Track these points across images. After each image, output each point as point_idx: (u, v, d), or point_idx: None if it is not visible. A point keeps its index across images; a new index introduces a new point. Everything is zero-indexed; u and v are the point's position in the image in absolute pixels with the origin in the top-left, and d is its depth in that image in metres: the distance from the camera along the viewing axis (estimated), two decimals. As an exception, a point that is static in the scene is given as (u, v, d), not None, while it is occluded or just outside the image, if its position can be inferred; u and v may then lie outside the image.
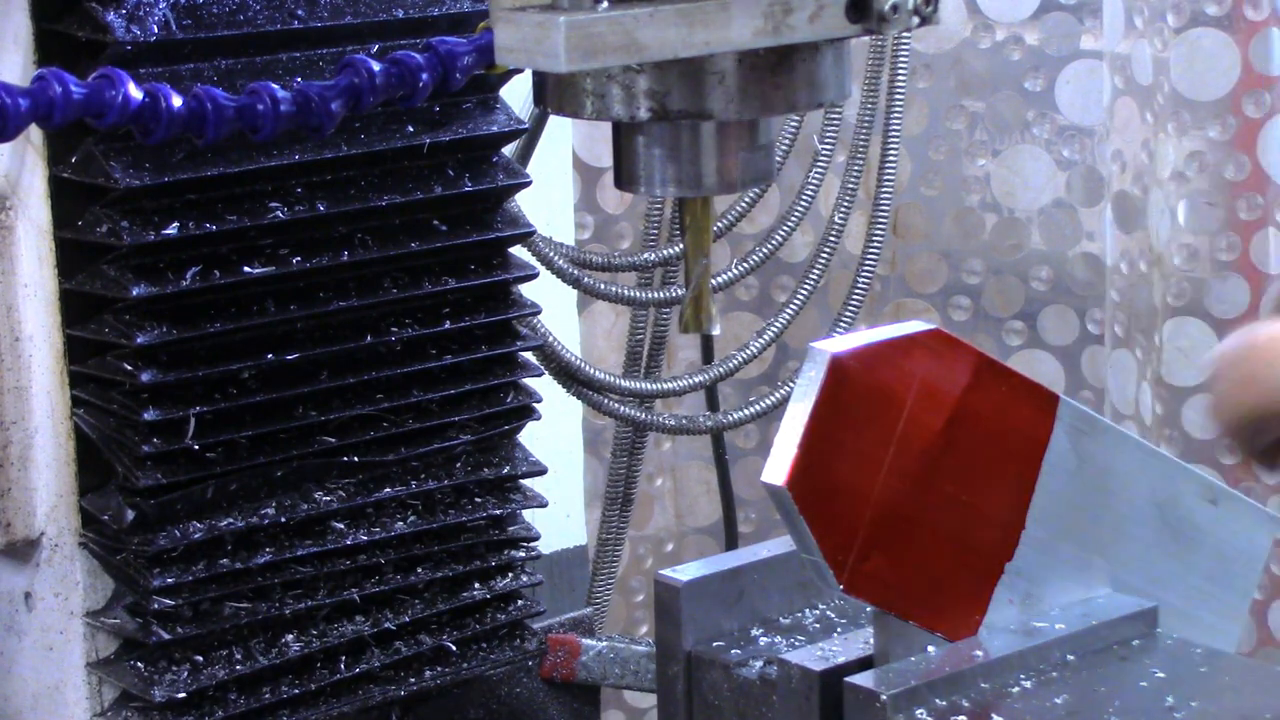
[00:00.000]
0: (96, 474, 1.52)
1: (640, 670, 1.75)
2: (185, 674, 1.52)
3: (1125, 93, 2.45)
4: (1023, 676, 1.40)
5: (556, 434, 1.92)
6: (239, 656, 1.55)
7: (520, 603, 1.71)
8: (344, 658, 1.60)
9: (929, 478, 1.39)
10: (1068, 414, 1.44)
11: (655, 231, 2.24)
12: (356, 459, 1.59)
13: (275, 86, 1.37)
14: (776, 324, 2.18)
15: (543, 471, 1.71)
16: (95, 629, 1.54)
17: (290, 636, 1.58)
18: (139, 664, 1.53)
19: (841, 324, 2.22)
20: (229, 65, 1.49)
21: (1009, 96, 2.70)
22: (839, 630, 1.55)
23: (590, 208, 2.67)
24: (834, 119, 2.17)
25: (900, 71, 2.16)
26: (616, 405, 2.02)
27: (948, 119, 2.74)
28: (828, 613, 1.59)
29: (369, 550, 1.60)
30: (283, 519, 1.55)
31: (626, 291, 2.06)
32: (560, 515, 1.93)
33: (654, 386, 2.10)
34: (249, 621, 1.55)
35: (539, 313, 1.70)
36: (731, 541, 2.48)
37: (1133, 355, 2.50)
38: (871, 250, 2.21)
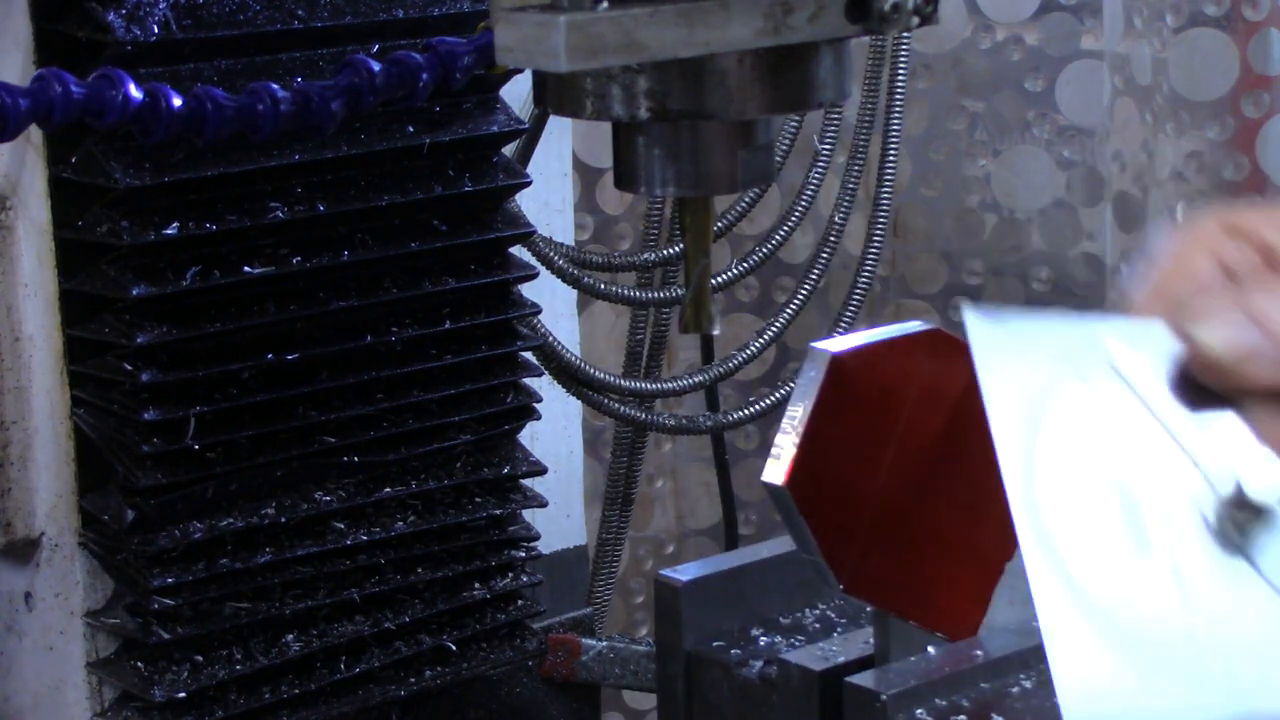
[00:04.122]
0: (96, 474, 1.52)
1: (640, 670, 1.75)
2: (185, 674, 1.52)
3: (1125, 93, 2.45)
4: (1023, 676, 1.40)
5: (556, 434, 1.92)
6: (239, 656, 1.55)
7: (520, 603, 1.71)
8: (344, 658, 1.60)
9: (929, 477, 1.39)
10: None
11: (655, 231, 2.24)
12: (356, 459, 1.59)
13: (275, 86, 1.37)
14: (776, 324, 2.17)
15: (543, 471, 1.70)
16: (95, 629, 1.54)
17: (290, 636, 1.57)
18: (139, 664, 1.53)
19: (841, 324, 2.22)
20: (229, 65, 1.49)
21: (1009, 96, 2.70)
22: (839, 630, 1.55)
23: (590, 208, 2.66)
24: (834, 119, 2.17)
25: (900, 71, 2.16)
26: (616, 405, 2.02)
27: (948, 119, 2.74)
28: (828, 613, 1.59)
29: (369, 550, 1.60)
30: (283, 519, 1.55)
31: (626, 291, 2.06)
32: (560, 515, 1.93)
33: (654, 386, 2.09)
34: (249, 621, 1.55)
35: (539, 313, 1.70)
36: (732, 542, 2.48)
37: (1132, 355, 2.49)
38: (871, 250, 2.21)
